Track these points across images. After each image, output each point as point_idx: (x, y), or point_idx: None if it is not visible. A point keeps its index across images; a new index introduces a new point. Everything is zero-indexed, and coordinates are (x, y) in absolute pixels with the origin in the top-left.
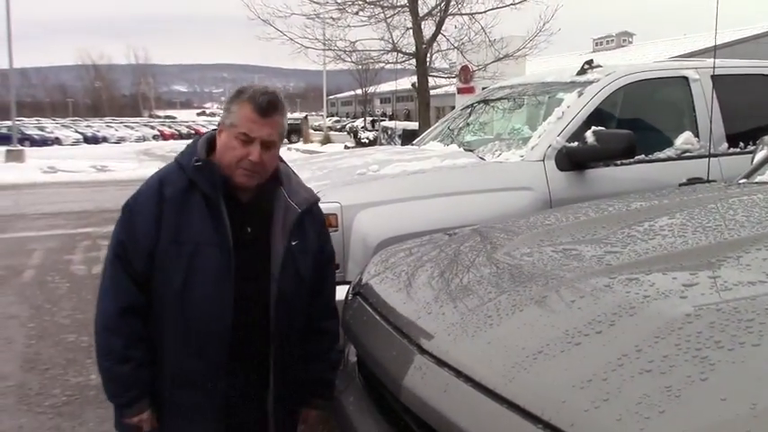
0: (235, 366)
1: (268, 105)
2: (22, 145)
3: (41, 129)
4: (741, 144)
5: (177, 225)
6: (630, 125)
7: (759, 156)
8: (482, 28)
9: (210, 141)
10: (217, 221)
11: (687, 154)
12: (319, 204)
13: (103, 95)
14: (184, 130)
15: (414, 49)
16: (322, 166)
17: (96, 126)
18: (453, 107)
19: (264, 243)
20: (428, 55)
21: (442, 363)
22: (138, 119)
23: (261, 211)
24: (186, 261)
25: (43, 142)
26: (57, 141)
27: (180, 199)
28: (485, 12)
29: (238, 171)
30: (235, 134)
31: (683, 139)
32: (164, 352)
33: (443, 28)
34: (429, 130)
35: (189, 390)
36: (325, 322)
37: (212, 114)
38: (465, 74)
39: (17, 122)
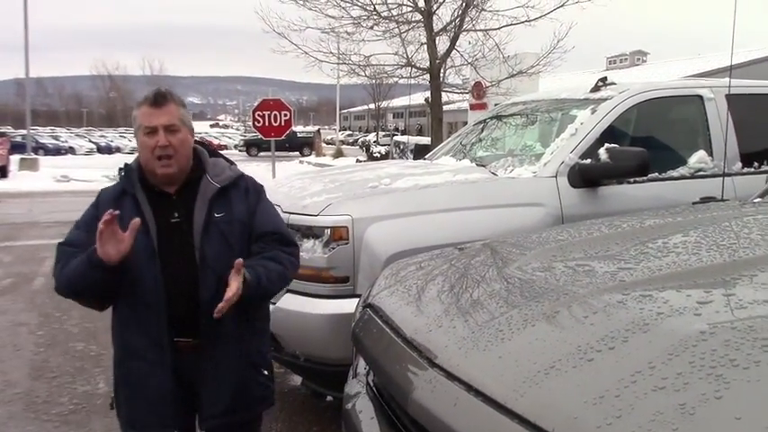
0: (181, 344)
1: (157, 97)
2: (37, 154)
3: (56, 138)
4: (755, 164)
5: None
6: (644, 143)
7: None
8: (496, 44)
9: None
10: (139, 213)
11: (701, 173)
12: (332, 215)
13: (118, 106)
14: None
15: (427, 64)
16: (334, 179)
17: (110, 136)
18: (466, 123)
19: (190, 223)
20: (442, 70)
21: (452, 376)
22: None
23: (188, 198)
24: None
25: (57, 151)
26: (70, 151)
27: (113, 203)
28: (499, 28)
29: (156, 163)
30: (142, 132)
31: (697, 158)
32: (116, 335)
33: (457, 44)
34: (441, 144)
35: (137, 362)
36: (276, 247)
37: (225, 126)
38: (478, 90)
39: (32, 131)
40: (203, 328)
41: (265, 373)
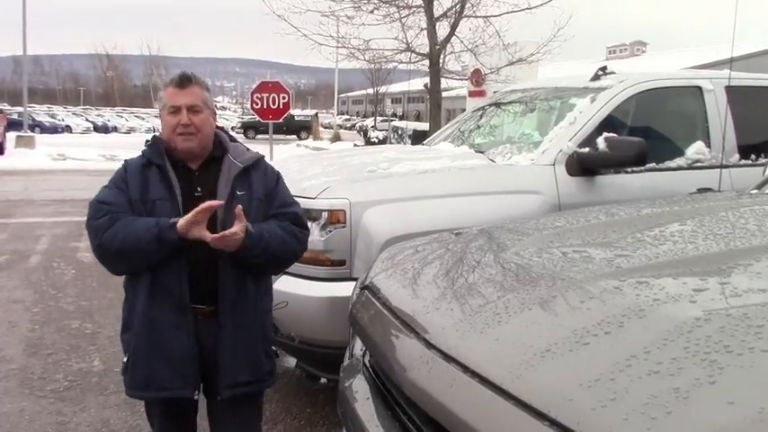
0: (198, 310)
1: (182, 79)
2: (33, 131)
3: (52, 116)
4: (753, 156)
5: (141, 190)
6: (642, 133)
7: None
8: (496, 31)
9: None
10: (167, 182)
11: (698, 164)
12: (329, 198)
13: (115, 85)
14: None
15: (427, 49)
16: (332, 163)
17: (107, 115)
18: (464, 109)
19: (213, 197)
20: (441, 56)
21: (449, 358)
22: (148, 109)
23: (210, 175)
24: (148, 214)
25: (54, 130)
26: (67, 129)
27: (139, 172)
28: (499, 15)
29: (177, 138)
30: (166, 111)
31: (695, 149)
32: (137, 298)
33: (458, 30)
34: (440, 131)
35: (161, 325)
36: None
37: (223, 108)
38: (477, 77)
39: (28, 109)
40: (221, 297)
41: (273, 348)
